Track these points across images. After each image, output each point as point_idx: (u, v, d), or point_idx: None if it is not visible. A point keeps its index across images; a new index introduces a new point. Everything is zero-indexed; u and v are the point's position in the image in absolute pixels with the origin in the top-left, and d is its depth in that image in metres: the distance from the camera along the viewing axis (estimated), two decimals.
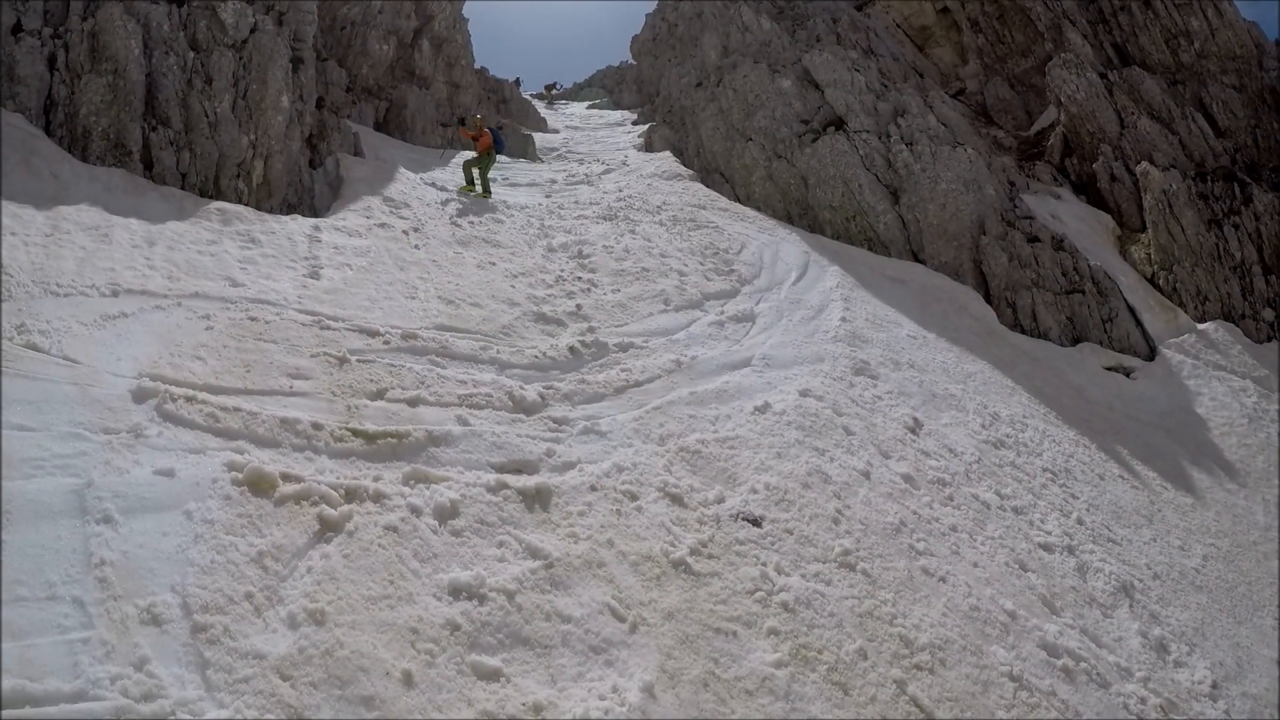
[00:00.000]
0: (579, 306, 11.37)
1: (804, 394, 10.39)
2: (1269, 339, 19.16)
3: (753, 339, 12.00)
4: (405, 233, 12.33)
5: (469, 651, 4.98)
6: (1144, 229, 21.41)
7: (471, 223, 14.09)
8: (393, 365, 8.26)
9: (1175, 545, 11.22)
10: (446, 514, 6.17)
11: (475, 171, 17.32)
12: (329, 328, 8.63)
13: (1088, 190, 23.42)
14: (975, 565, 8.35)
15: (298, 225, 11.21)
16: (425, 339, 9.02)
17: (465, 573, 5.56)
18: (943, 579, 7.78)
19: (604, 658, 5.31)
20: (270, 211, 11.82)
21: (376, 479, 6.36)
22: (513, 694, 4.81)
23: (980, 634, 7.19)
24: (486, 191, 17.13)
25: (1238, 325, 19.18)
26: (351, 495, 6.06)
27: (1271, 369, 17.92)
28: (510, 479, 6.86)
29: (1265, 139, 23.80)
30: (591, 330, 10.74)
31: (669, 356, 10.50)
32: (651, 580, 6.18)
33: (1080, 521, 10.44)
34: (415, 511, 6.05)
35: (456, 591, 5.39)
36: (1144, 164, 21.90)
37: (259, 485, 5.88)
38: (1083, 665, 7.48)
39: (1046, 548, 9.41)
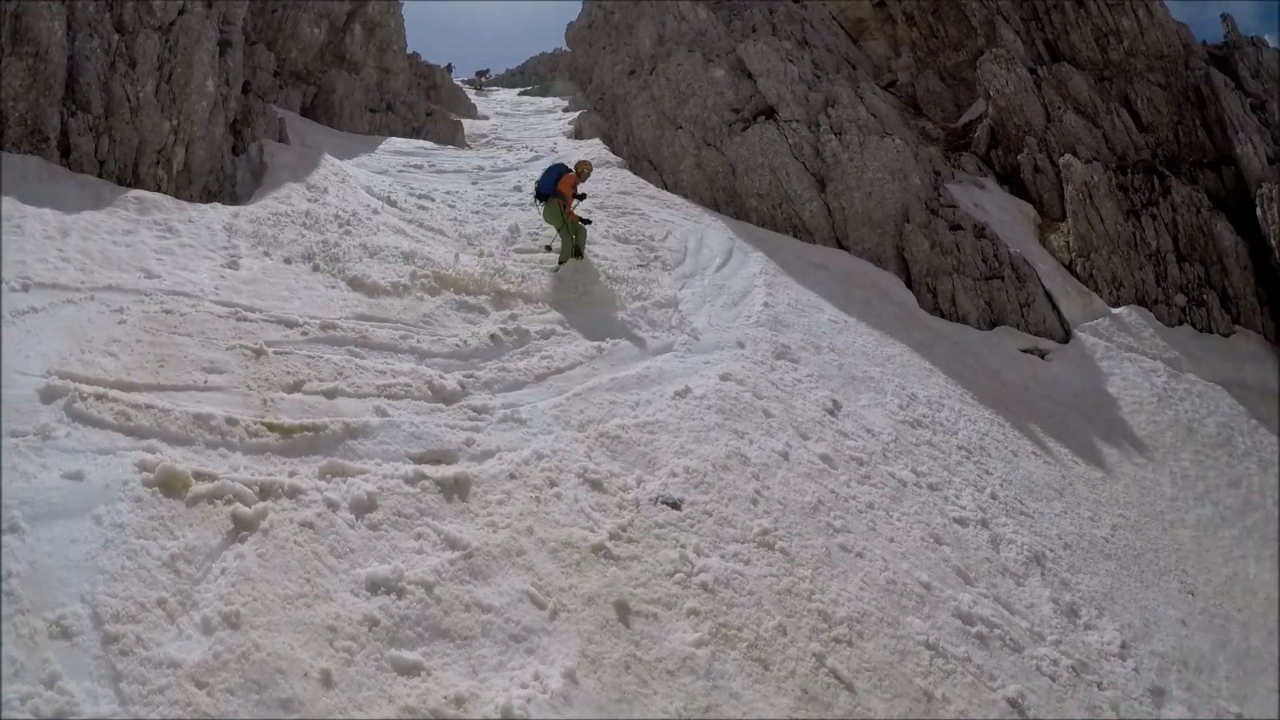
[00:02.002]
0: (501, 293, 11.37)
1: (725, 378, 10.50)
2: (1180, 323, 19.82)
3: (675, 324, 12.10)
4: (328, 220, 12.18)
5: (388, 647, 4.92)
6: (1064, 218, 21.97)
7: (394, 212, 13.99)
8: (310, 356, 8.13)
9: (1085, 516, 11.67)
10: (363, 507, 6.06)
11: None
12: (246, 319, 8.47)
13: (1011, 181, 23.93)
14: (891, 540, 8.57)
15: (217, 214, 10.99)
16: (344, 329, 8.91)
17: (383, 567, 5.49)
18: (860, 555, 7.95)
19: (525, 646, 5.31)
20: (190, 200, 11.57)
21: (292, 474, 6.24)
22: (434, 688, 4.77)
23: (897, 606, 7.38)
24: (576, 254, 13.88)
25: (1150, 310, 19.79)
26: (266, 492, 5.92)
27: (1182, 351, 18.56)
28: (429, 469, 6.79)
29: (1186, 135, 24.46)
30: (513, 317, 10.71)
31: (590, 342, 10.56)
32: (571, 566, 6.20)
33: (994, 496, 10.76)
34: (332, 506, 5.93)
35: (374, 586, 5.31)
36: (1067, 156, 22.44)
37: (171, 485, 5.71)
38: (996, 632, 7.73)
39: (961, 522, 9.69)
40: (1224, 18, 27.42)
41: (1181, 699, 8.51)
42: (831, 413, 10.94)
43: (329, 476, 6.34)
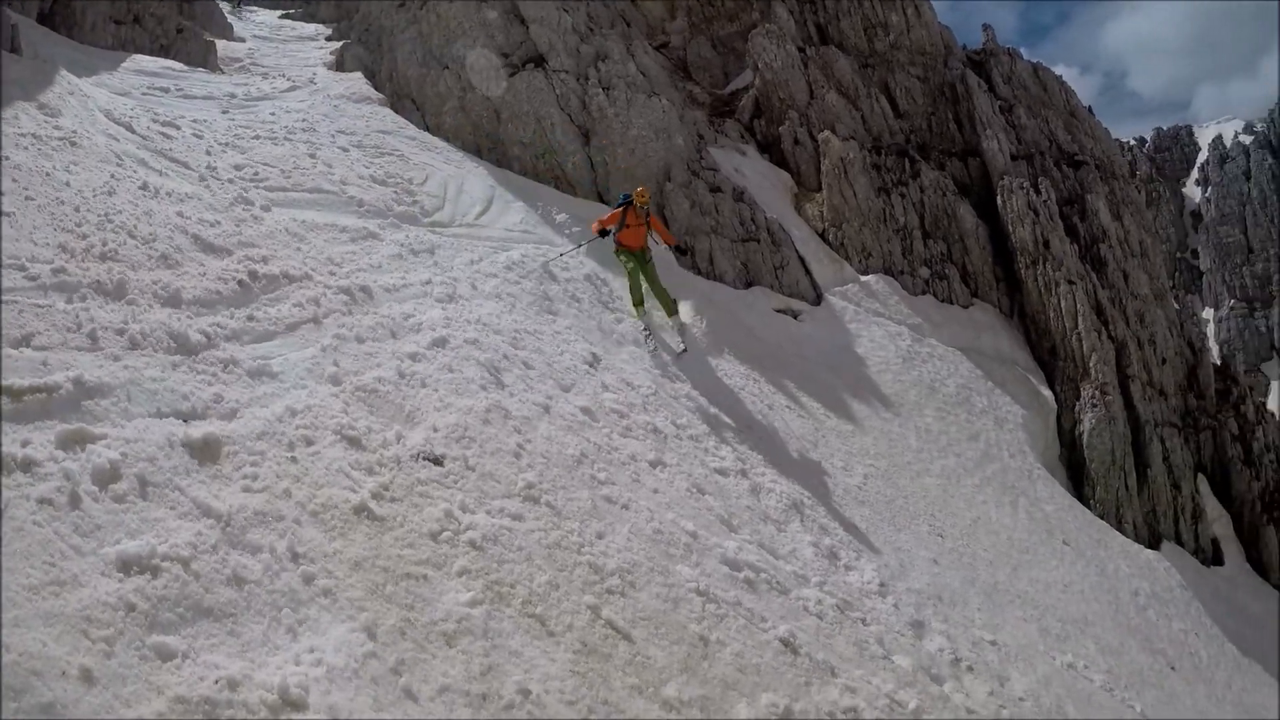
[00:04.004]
0: (250, 235, 10.19)
1: (484, 328, 10.12)
2: (923, 293, 21.59)
3: (432, 271, 11.53)
4: (59, 146, 10.51)
5: (149, 633, 4.14)
6: (820, 190, 23.02)
7: (135, 140, 12.35)
8: (40, 305, 6.76)
9: (839, 466, 12.11)
10: (107, 477, 5.07)
11: (641, 281, 13.03)
12: None
13: (771, 150, 24.82)
14: (655, 491, 8.45)
15: None
16: (76, 274, 7.53)
17: (133, 543, 4.60)
18: (625, 506, 7.79)
19: (294, 618, 4.70)
20: None
21: (25, 444, 5.07)
22: (204, 673, 4.09)
23: (665, 555, 7.26)
24: (671, 309, 13.27)
25: (897, 279, 21.34)
26: None
27: (925, 318, 20.07)
28: (175, 430, 5.82)
29: (938, 125, 26.51)
30: (264, 261, 9.59)
31: (345, 289, 9.72)
32: (334, 529, 5.58)
33: (752, 448, 10.91)
34: (71, 478, 4.88)
35: (126, 566, 4.44)
36: (826, 133, 23.52)
37: None
38: (763, 576, 7.77)
39: (721, 472, 9.72)
40: (985, 27, 30.10)
41: (940, 630, 8.88)
42: (591, 365, 10.80)
43: (66, 444, 5.26)
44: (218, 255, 9.24)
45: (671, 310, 13.17)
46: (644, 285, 12.93)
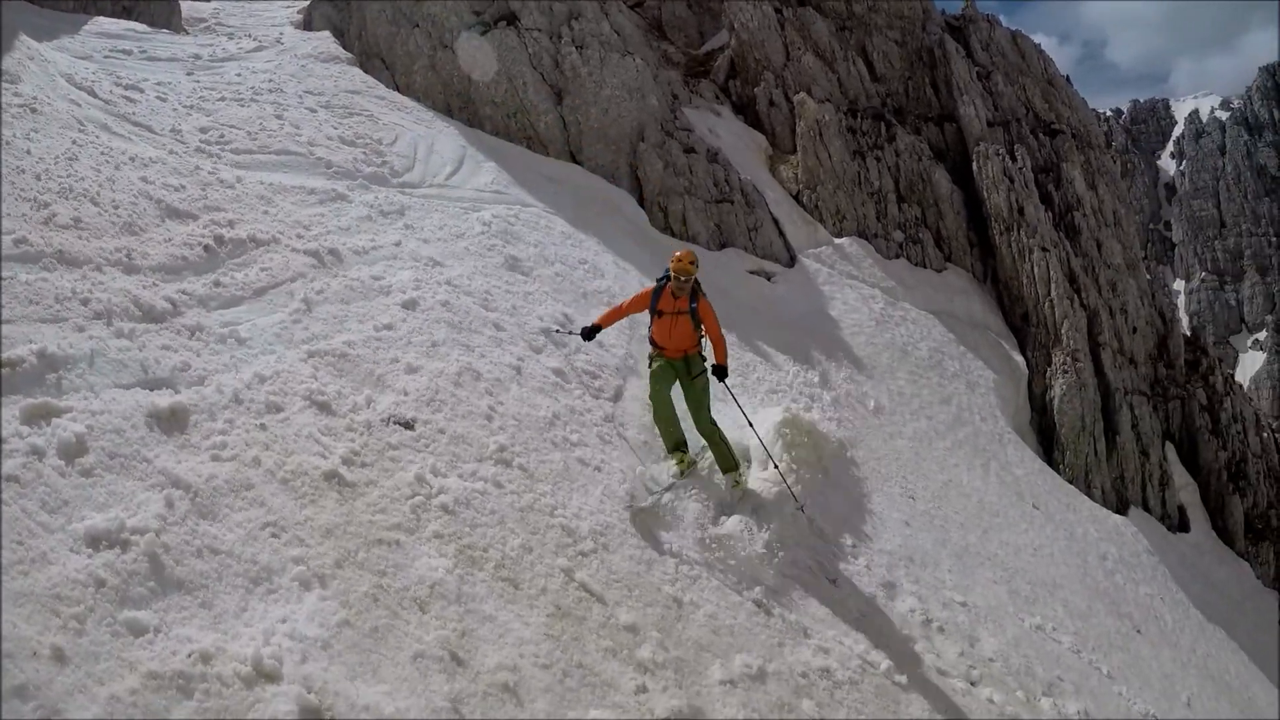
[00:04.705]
0: (217, 199, 9.94)
1: (454, 290, 10.03)
2: (897, 256, 21.67)
3: (402, 233, 11.36)
4: (19, 113, 10.16)
5: (120, 608, 4.08)
6: (794, 152, 22.90)
7: (98, 105, 12.00)
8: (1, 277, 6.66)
9: None
10: (73, 451, 4.97)
11: (673, 406, 8.55)
12: None
13: (746, 111, 24.62)
14: (629, 452, 8.47)
15: None
16: (38, 243, 7.26)
17: (102, 518, 4.53)
18: (597, 468, 7.80)
19: (265, 588, 4.65)
20: None
21: None
22: (176, 646, 4.04)
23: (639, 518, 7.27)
24: (729, 463, 8.47)
25: (870, 243, 21.41)
26: None
27: (898, 281, 20.15)
28: (141, 399, 5.72)
29: (915, 90, 26.40)
30: (230, 225, 9.36)
31: (314, 252, 9.57)
32: (305, 497, 5.54)
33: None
34: (37, 454, 4.78)
35: (95, 541, 4.37)
36: (802, 95, 23.39)
37: None
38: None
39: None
40: None
41: (911, 591, 8.92)
42: (563, 326, 10.77)
43: (31, 419, 5.10)
44: (183, 220, 9.01)
45: (730, 464, 8.50)
46: (674, 407, 8.61)
